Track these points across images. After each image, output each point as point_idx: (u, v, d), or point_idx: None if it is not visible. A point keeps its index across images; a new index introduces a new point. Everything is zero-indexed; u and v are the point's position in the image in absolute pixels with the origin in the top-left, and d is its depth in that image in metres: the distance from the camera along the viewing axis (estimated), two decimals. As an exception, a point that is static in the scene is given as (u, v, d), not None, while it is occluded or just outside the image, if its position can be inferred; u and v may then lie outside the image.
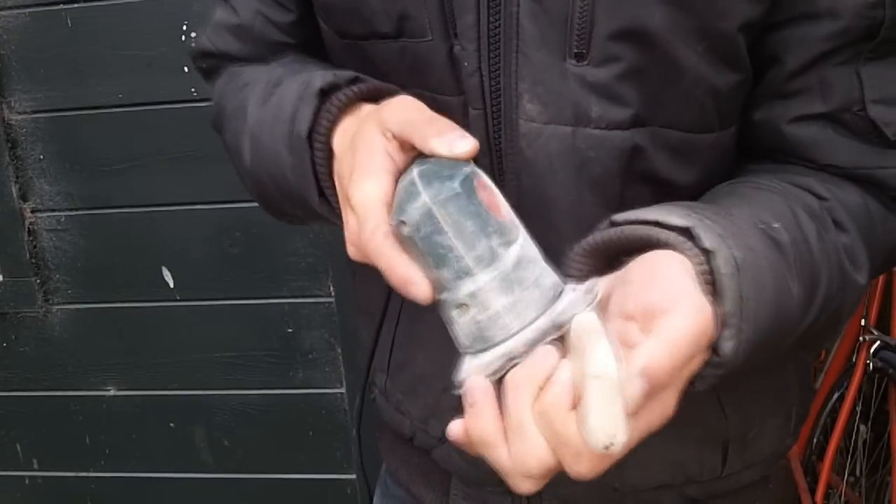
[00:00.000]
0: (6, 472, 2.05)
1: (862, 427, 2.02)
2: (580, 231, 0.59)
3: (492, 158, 0.66)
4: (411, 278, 0.53)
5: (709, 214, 0.57)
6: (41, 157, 1.81)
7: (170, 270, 1.84)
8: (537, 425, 0.49)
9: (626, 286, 0.53)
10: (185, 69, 1.68)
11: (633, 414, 0.47)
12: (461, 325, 0.52)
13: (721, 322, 0.53)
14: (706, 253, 0.53)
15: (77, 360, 1.94)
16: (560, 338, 0.51)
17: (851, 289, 0.65)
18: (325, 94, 0.65)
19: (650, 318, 0.50)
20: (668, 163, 0.66)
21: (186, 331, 1.87)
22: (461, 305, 0.52)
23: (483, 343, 0.52)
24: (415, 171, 0.54)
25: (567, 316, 0.50)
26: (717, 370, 0.55)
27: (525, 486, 0.52)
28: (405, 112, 0.58)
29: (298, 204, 0.69)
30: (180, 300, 1.86)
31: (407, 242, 0.53)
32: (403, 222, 0.52)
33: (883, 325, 1.96)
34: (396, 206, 0.54)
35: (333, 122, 0.64)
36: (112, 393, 1.95)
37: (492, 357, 0.51)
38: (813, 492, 1.94)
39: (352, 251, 0.59)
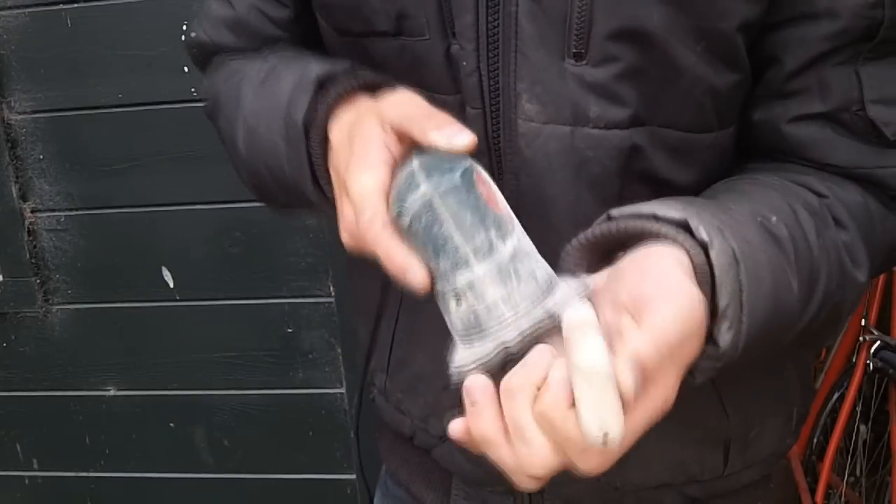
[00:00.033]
0: (6, 472, 2.05)
1: (862, 427, 2.02)
2: (579, 231, 0.60)
3: (490, 158, 0.66)
4: (409, 266, 0.53)
5: (706, 208, 0.57)
6: (41, 157, 1.81)
7: (170, 270, 1.84)
8: (539, 427, 0.49)
9: (618, 279, 0.53)
10: (185, 69, 1.68)
11: (630, 404, 0.47)
12: (457, 313, 0.53)
13: (719, 314, 0.53)
14: (703, 245, 0.54)
15: (77, 360, 1.94)
16: (555, 332, 0.51)
17: (851, 286, 0.65)
18: (321, 83, 0.65)
19: (640, 308, 0.50)
20: (667, 162, 0.66)
21: (186, 331, 1.87)
22: (458, 295, 0.53)
23: (478, 332, 0.52)
24: (415, 163, 0.55)
25: (561, 308, 0.51)
26: (715, 362, 0.55)
27: (529, 485, 0.52)
28: (404, 106, 0.59)
29: (293, 193, 0.69)
30: (180, 300, 1.86)
31: (405, 232, 0.54)
32: (402, 212, 0.54)
33: (883, 325, 1.96)
34: (395, 195, 0.55)
35: (329, 112, 0.64)
36: (112, 393, 1.95)
37: (486, 346, 0.52)
38: (813, 492, 1.94)
39: (346, 240, 0.60)
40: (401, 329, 0.80)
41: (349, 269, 0.90)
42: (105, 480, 2.01)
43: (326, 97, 0.64)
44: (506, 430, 0.50)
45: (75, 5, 1.71)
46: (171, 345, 1.88)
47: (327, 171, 0.64)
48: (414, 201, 0.53)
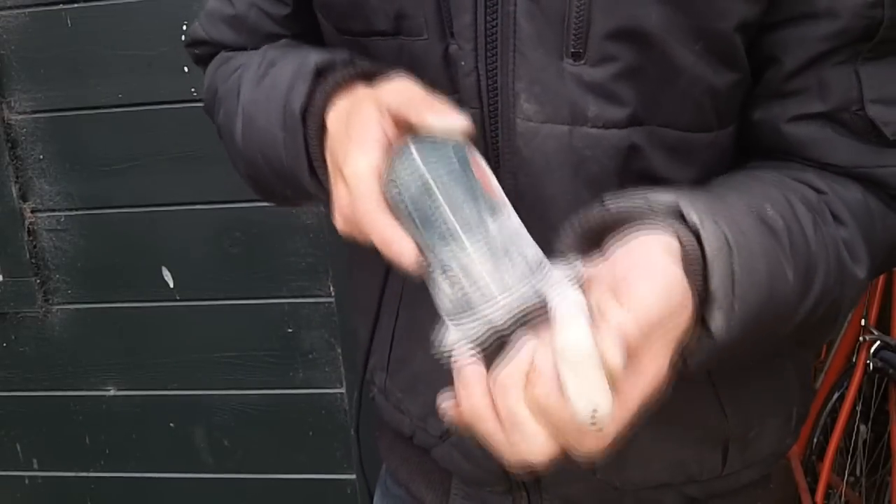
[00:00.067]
0: (6, 472, 2.05)
1: (862, 427, 2.02)
2: None
3: (488, 158, 0.66)
4: (400, 244, 0.54)
5: (700, 197, 0.58)
6: (41, 157, 1.82)
7: (170, 270, 1.84)
8: (533, 415, 0.49)
9: (604, 262, 0.54)
10: (185, 69, 1.68)
11: (619, 380, 0.47)
12: (445, 290, 0.53)
13: (711, 299, 0.54)
14: (694, 231, 0.54)
15: (77, 360, 1.94)
16: (543, 314, 0.51)
17: (850, 283, 0.65)
18: (320, 72, 0.66)
19: (621, 288, 0.50)
20: (666, 162, 0.66)
21: (186, 331, 1.87)
22: (447, 273, 0.53)
23: (466, 309, 0.53)
24: (410, 141, 0.56)
25: (549, 289, 0.51)
26: (707, 347, 0.55)
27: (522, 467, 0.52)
28: (402, 90, 0.59)
29: (289, 182, 0.70)
30: (180, 300, 1.86)
31: (397, 208, 0.54)
32: (396, 188, 0.54)
33: (883, 325, 1.96)
34: (389, 172, 0.55)
35: (328, 100, 0.65)
36: (112, 393, 1.95)
37: (473, 324, 0.52)
38: (813, 492, 1.94)
39: (339, 223, 0.60)
40: (400, 328, 0.80)
41: (349, 267, 0.90)
42: (105, 480, 2.01)
43: (324, 85, 0.65)
44: (496, 409, 0.50)
45: (75, 5, 1.71)
46: (171, 345, 1.88)
47: (324, 159, 0.65)
48: (408, 178, 0.54)
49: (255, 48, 0.79)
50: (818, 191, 0.66)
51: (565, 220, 0.66)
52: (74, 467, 2.02)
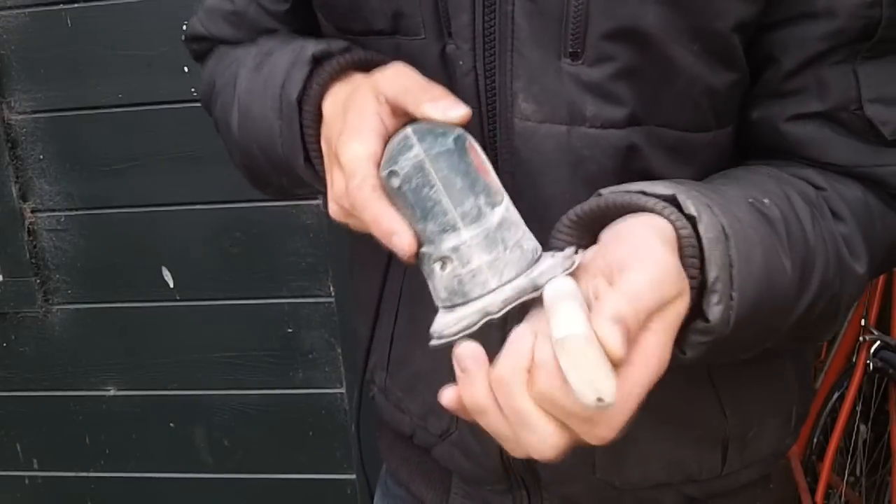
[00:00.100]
0: (6, 472, 2.05)
1: (862, 427, 2.02)
2: None
3: (487, 157, 0.66)
4: (396, 229, 0.54)
5: (696, 187, 0.58)
6: (41, 157, 1.82)
7: (170, 270, 1.84)
8: (540, 409, 0.48)
9: (598, 249, 0.54)
10: (185, 69, 1.69)
11: (621, 362, 0.46)
12: (441, 278, 0.53)
13: (708, 288, 0.54)
14: (691, 220, 0.54)
15: (77, 360, 1.94)
16: (538, 303, 0.51)
17: (850, 278, 0.65)
18: (317, 60, 0.66)
19: (614, 273, 0.50)
20: (665, 162, 0.66)
21: (186, 331, 1.87)
22: (443, 259, 0.53)
23: (461, 298, 0.52)
24: (409, 128, 0.56)
25: (545, 278, 0.51)
26: (705, 336, 0.55)
27: (524, 455, 0.51)
28: (400, 78, 0.59)
29: (284, 170, 0.70)
30: (180, 300, 1.86)
31: (394, 195, 0.54)
32: (394, 173, 0.54)
33: (883, 325, 1.96)
34: (387, 157, 0.55)
35: (324, 88, 0.65)
36: (112, 393, 1.95)
37: (468, 312, 0.52)
38: (813, 492, 1.94)
39: (334, 210, 0.60)
40: (400, 327, 0.80)
41: (350, 265, 0.90)
42: (105, 480, 2.01)
43: (321, 73, 0.65)
44: (500, 407, 0.50)
45: (75, 5, 1.71)
46: (171, 345, 1.88)
47: (320, 147, 0.65)
48: (405, 163, 0.54)
49: (254, 42, 0.79)
50: (817, 187, 0.66)
51: None
52: (74, 467, 2.02)
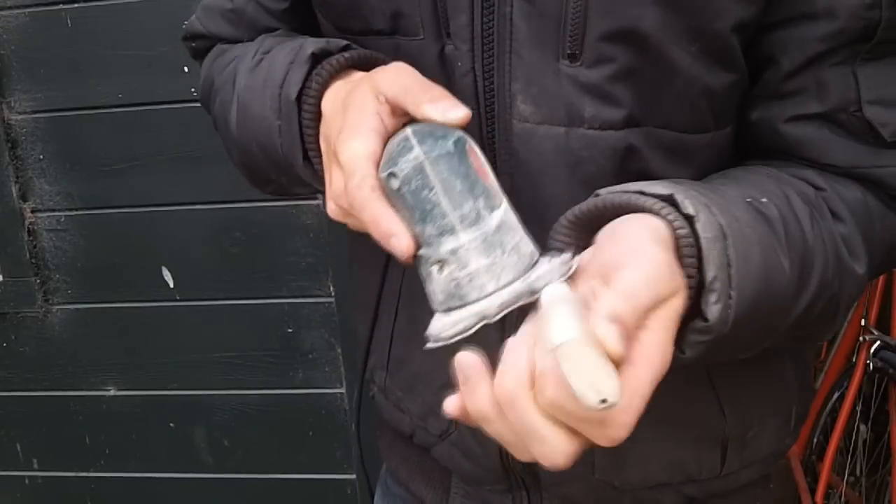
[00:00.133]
0: (6, 472, 2.05)
1: (862, 427, 2.02)
2: None
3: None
4: (394, 230, 0.54)
5: (694, 187, 0.58)
6: (41, 157, 1.82)
7: (170, 270, 1.84)
8: (549, 419, 0.48)
9: (593, 250, 0.54)
10: (185, 69, 1.69)
11: (622, 360, 0.46)
12: (438, 281, 0.53)
13: (707, 287, 0.54)
14: (689, 219, 0.54)
15: (77, 360, 1.94)
16: (535, 308, 0.51)
17: (849, 278, 0.65)
18: (316, 58, 0.66)
19: (609, 273, 0.50)
20: (663, 163, 0.66)
21: (186, 331, 1.87)
22: (441, 262, 0.53)
23: (458, 301, 0.52)
24: (409, 129, 0.55)
25: (542, 283, 0.51)
26: (704, 336, 0.55)
27: (529, 459, 0.51)
28: (400, 77, 0.59)
29: (283, 169, 0.70)
30: (180, 300, 1.86)
31: (393, 196, 0.54)
32: (393, 174, 0.54)
33: (883, 325, 1.96)
34: (387, 158, 0.55)
35: (323, 86, 0.65)
36: (112, 393, 1.95)
37: (464, 315, 0.52)
38: (813, 492, 1.94)
39: (333, 209, 0.60)
40: (399, 327, 0.80)
41: (349, 265, 0.90)
42: (105, 480, 2.01)
43: (320, 72, 0.65)
44: (506, 420, 0.50)
45: (75, 5, 1.71)
46: (171, 345, 1.89)
47: (319, 146, 0.65)
48: (405, 164, 0.53)
49: (252, 41, 0.79)
50: (817, 188, 0.66)
51: None
52: (74, 467, 2.02)
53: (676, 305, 0.51)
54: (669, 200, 0.55)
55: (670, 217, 0.54)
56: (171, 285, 1.85)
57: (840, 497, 2.01)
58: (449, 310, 0.53)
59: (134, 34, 1.70)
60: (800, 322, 0.62)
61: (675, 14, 0.61)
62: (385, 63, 0.64)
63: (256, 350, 1.86)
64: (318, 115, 0.65)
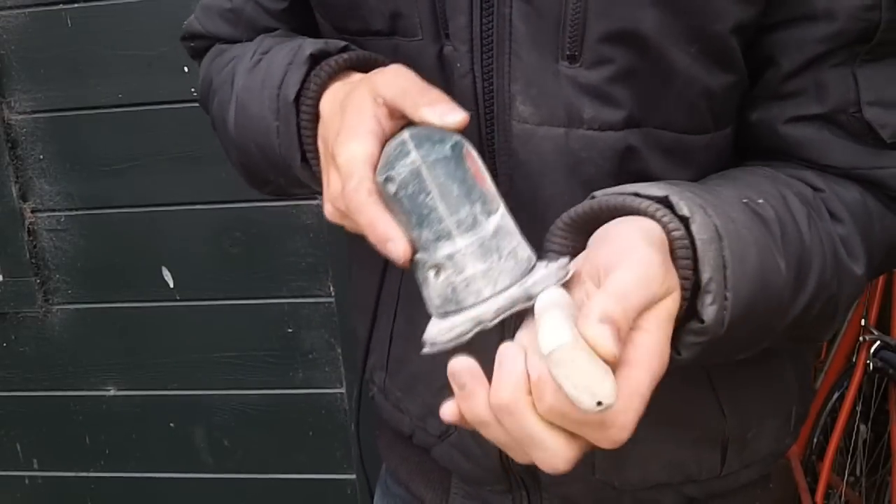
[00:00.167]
0: (6, 472, 2.05)
1: (862, 427, 2.02)
2: None
3: (484, 160, 0.66)
4: (391, 235, 0.54)
5: (690, 188, 0.58)
6: (41, 157, 1.82)
7: (170, 270, 1.84)
8: (549, 426, 0.48)
9: (586, 252, 0.54)
10: (185, 69, 1.69)
11: (616, 361, 0.46)
12: (435, 285, 0.53)
13: (702, 289, 0.53)
14: (684, 221, 0.54)
15: (77, 360, 1.94)
16: (531, 313, 0.51)
17: (848, 279, 0.65)
18: (315, 60, 0.66)
19: (601, 275, 0.50)
20: (662, 164, 0.66)
21: (186, 331, 1.87)
22: (437, 266, 0.53)
23: (454, 306, 0.52)
24: (406, 133, 0.55)
25: (538, 288, 0.51)
26: (700, 337, 0.55)
27: (527, 462, 0.51)
28: (398, 80, 0.59)
29: (281, 170, 0.69)
30: (180, 300, 1.86)
31: (390, 200, 0.54)
32: (390, 179, 0.54)
33: (883, 325, 1.96)
34: (384, 162, 0.55)
35: (322, 87, 0.65)
36: (112, 393, 1.95)
37: (461, 320, 0.52)
38: (813, 492, 1.94)
39: (330, 211, 0.60)
40: (398, 327, 0.80)
41: (348, 265, 0.90)
42: (105, 480, 2.01)
43: (319, 73, 0.65)
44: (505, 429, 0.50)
45: (75, 5, 1.71)
46: (171, 345, 1.89)
47: (317, 147, 0.65)
48: (402, 168, 0.53)
49: (251, 41, 0.79)
50: (815, 188, 0.66)
51: None
52: (74, 467, 2.02)
53: (670, 306, 0.51)
54: (665, 202, 0.55)
55: (665, 219, 0.54)
56: (171, 285, 1.85)
57: (840, 497, 2.01)
58: (446, 314, 0.53)
59: (134, 34, 1.70)
60: (797, 323, 0.62)
61: (675, 15, 0.61)
62: (384, 64, 0.64)
63: (256, 350, 1.86)
64: (316, 117, 0.65)
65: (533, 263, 0.53)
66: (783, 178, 0.65)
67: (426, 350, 0.53)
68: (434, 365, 0.73)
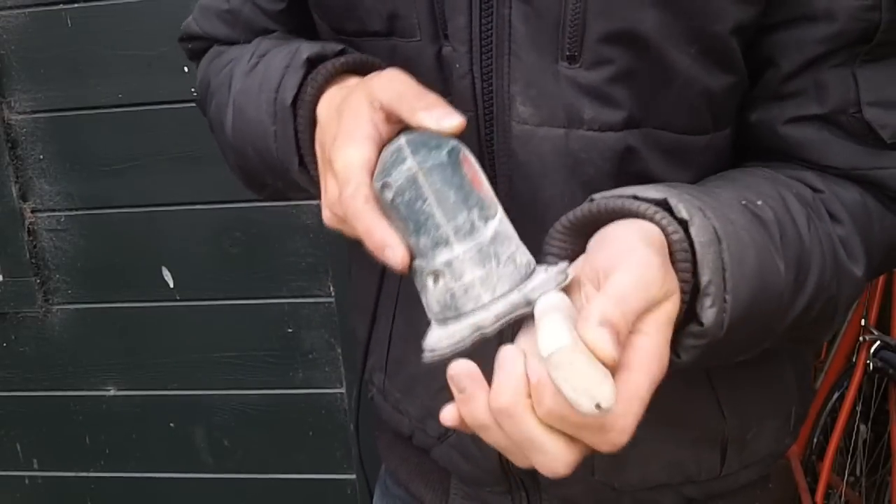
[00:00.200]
0: (6, 472, 2.05)
1: (862, 427, 2.02)
2: None
3: (483, 161, 0.66)
4: (388, 242, 0.53)
5: (688, 190, 0.57)
6: (41, 157, 1.82)
7: (170, 270, 1.84)
8: (548, 430, 0.48)
9: (585, 256, 0.54)
10: (185, 69, 1.69)
11: (615, 364, 0.46)
12: (434, 292, 0.53)
13: (701, 291, 0.53)
14: (683, 223, 0.54)
15: (77, 360, 1.94)
16: (530, 318, 0.51)
17: (848, 280, 0.65)
18: (312, 63, 0.65)
19: (600, 278, 0.50)
20: (662, 164, 0.66)
21: (186, 331, 1.87)
22: (436, 273, 0.52)
23: (453, 312, 0.52)
24: (403, 139, 0.55)
25: (537, 293, 0.51)
26: (699, 340, 0.55)
27: (528, 466, 0.51)
28: (395, 84, 0.58)
29: (279, 174, 0.69)
30: (180, 300, 1.86)
31: (387, 207, 0.54)
32: (387, 185, 0.53)
33: (883, 325, 1.96)
34: (381, 169, 0.55)
35: (319, 91, 0.64)
36: (112, 393, 1.95)
37: (460, 326, 0.51)
38: (813, 492, 1.94)
39: (328, 216, 0.60)
40: (398, 329, 0.80)
41: (349, 266, 0.90)
42: (105, 480, 2.01)
43: (315, 77, 0.65)
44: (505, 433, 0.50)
45: (75, 5, 1.71)
46: (171, 345, 1.89)
47: (314, 151, 0.65)
48: (399, 175, 0.53)
49: (248, 42, 0.79)
50: (815, 189, 0.65)
51: None
52: (74, 467, 2.02)
53: (669, 309, 0.51)
54: (663, 205, 0.55)
55: (664, 222, 0.54)
56: (171, 285, 1.85)
57: (840, 497, 2.01)
58: (445, 321, 0.52)
59: (134, 34, 1.70)
60: (797, 324, 0.62)
61: (674, 16, 0.61)
62: (381, 68, 0.64)
63: (256, 350, 1.86)
64: (313, 121, 0.65)
65: (532, 268, 0.53)
66: (782, 180, 0.65)
67: (426, 357, 0.52)
68: (433, 367, 0.73)
